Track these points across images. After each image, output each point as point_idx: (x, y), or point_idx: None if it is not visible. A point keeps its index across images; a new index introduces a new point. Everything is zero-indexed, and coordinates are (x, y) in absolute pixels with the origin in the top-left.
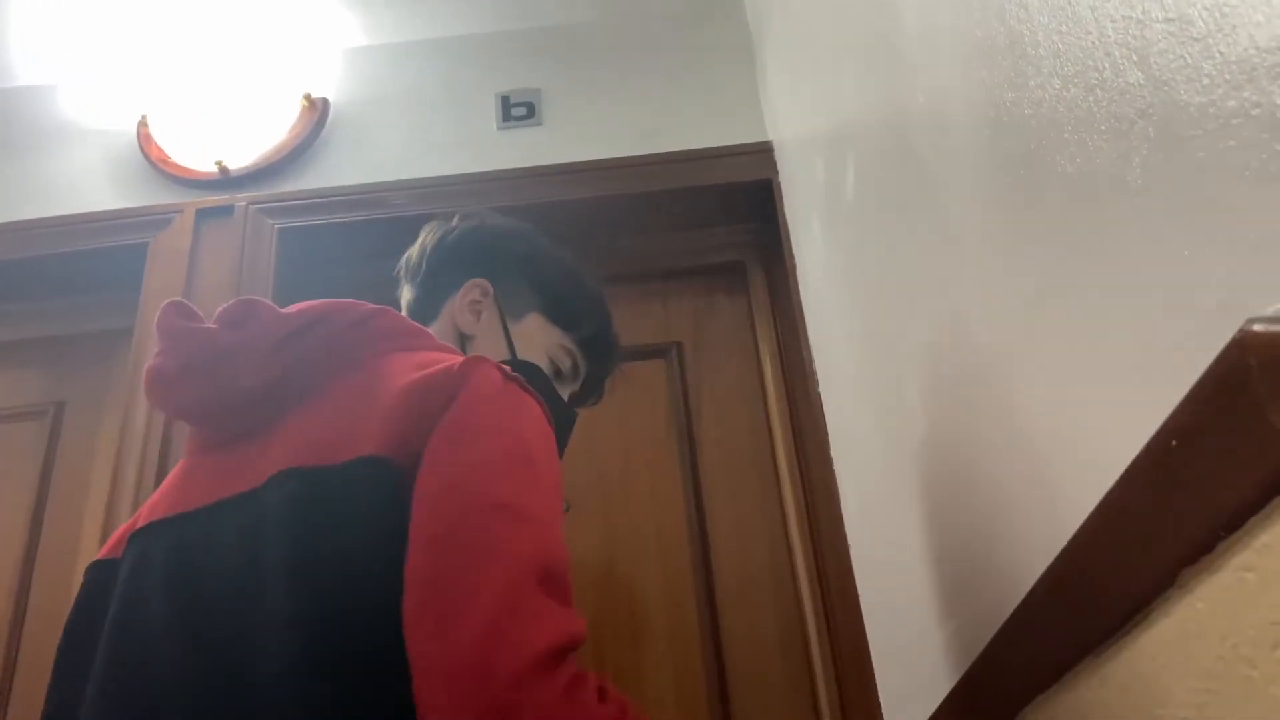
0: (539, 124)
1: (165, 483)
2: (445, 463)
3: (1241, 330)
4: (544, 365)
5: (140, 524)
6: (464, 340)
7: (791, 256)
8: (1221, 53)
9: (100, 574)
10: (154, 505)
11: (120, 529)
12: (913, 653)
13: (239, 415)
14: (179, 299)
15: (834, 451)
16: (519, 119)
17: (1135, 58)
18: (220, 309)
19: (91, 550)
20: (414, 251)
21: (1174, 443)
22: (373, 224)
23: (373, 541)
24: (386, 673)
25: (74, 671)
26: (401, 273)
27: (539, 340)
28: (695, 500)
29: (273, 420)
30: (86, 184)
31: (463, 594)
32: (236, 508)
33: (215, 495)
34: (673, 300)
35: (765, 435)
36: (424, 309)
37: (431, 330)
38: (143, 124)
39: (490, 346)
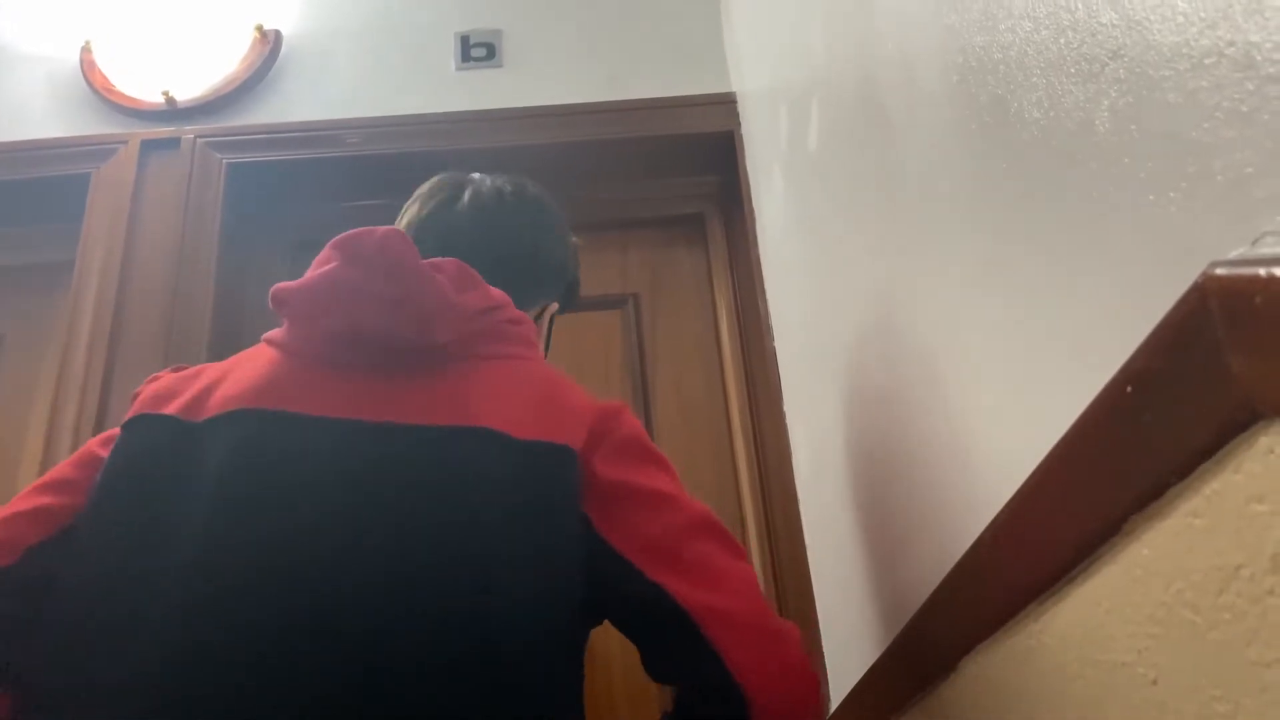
0: (499, 66)
1: (261, 374)
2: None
3: (1203, 274)
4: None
5: (250, 405)
6: None
7: (751, 209)
8: None
9: (167, 428)
10: (253, 392)
11: (180, 400)
12: (858, 603)
13: (406, 358)
14: (399, 229)
15: (787, 406)
16: (478, 60)
17: None
18: (435, 261)
19: (30, 482)
20: (515, 243)
21: (1129, 389)
22: (325, 162)
23: (565, 522)
24: (549, 628)
25: (127, 530)
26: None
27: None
28: None
29: (436, 371)
30: (26, 111)
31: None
32: (413, 437)
33: (372, 416)
34: (631, 250)
35: (719, 388)
36: (520, 306)
37: None
38: (86, 50)
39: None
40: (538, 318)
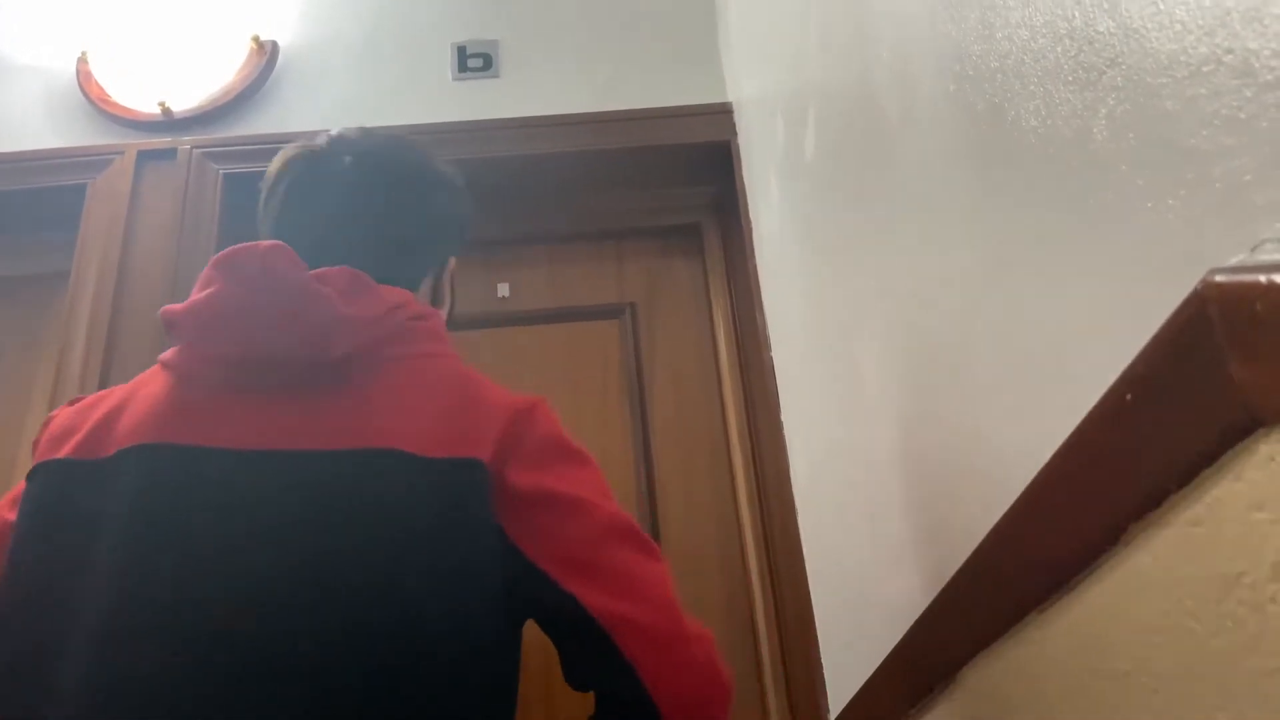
0: (495, 76)
1: (162, 403)
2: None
3: (1203, 281)
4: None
5: (147, 440)
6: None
7: (748, 219)
8: None
9: (71, 473)
10: (155, 424)
11: (78, 437)
12: (856, 614)
13: (305, 375)
14: (283, 244)
15: (784, 416)
16: (475, 70)
17: (1106, 5)
18: (323, 273)
19: None
20: (404, 219)
21: (1129, 396)
22: None
23: (477, 536)
24: (463, 649)
25: (45, 568)
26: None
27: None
28: (645, 462)
29: (338, 387)
30: (23, 122)
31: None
32: (322, 462)
33: (277, 444)
34: (628, 260)
35: (717, 399)
36: (409, 275)
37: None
38: (82, 61)
39: (442, 309)
40: (439, 278)
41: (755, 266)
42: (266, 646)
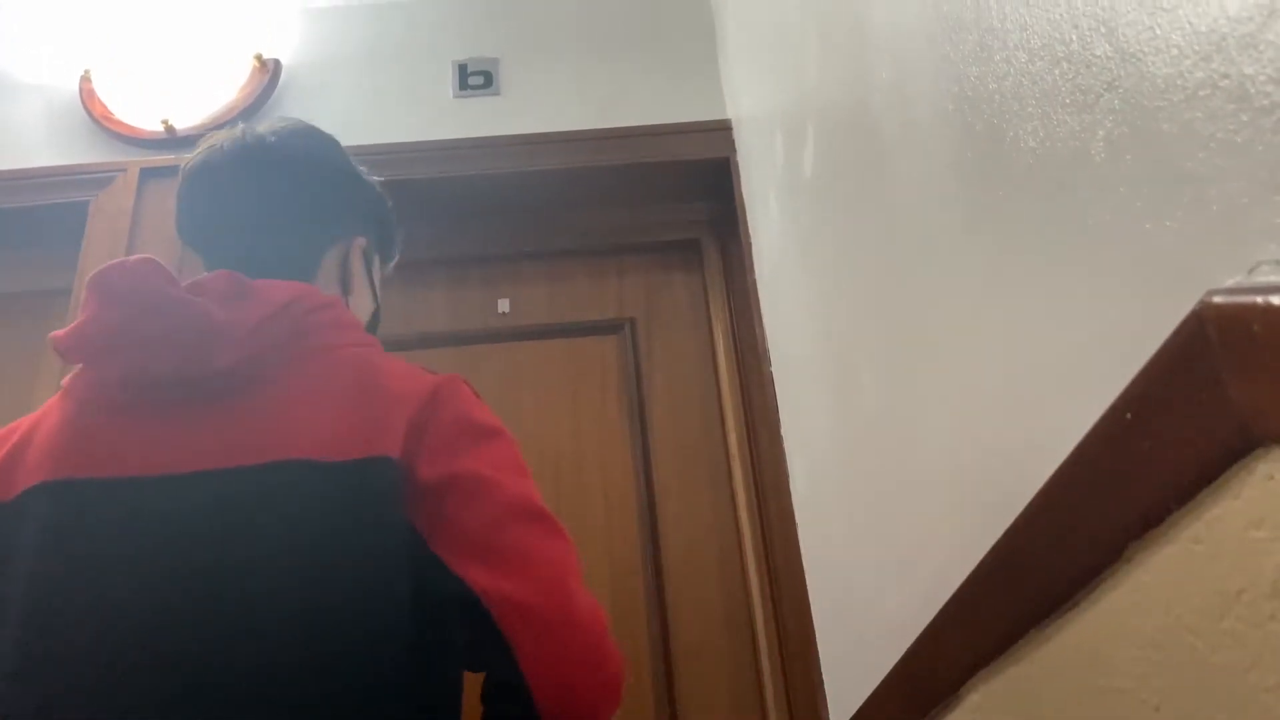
0: (496, 93)
1: (62, 435)
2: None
3: (1201, 302)
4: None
5: (50, 477)
6: (345, 294)
7: (747, 235)
8: (1191, 23)
9: None
10: (56, 458)
11: None
12: (857, 629)
13: (197, 388)
14: (152, 257)
15: (784, 430)
16: (476, 88)
17: (1104, 30)
18: (198, 281)
19: None
20: (292, 176)
21: (1129, 415)
22: None
23: (389, 537)
24: (386, 663)
25: None
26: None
27: (378, 280)
28: (645, 477)
29: (236, 397)
30: (26, 139)
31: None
32: (228, 481)
33: (181, 466)
34: (627, 276)
35: (717, 414)
36: (298, 256)
37: (317, 280)
38: (86, 79)
39: (361, 301)
40: (345, 260)
41: (754, 282)
42: (183, 677)
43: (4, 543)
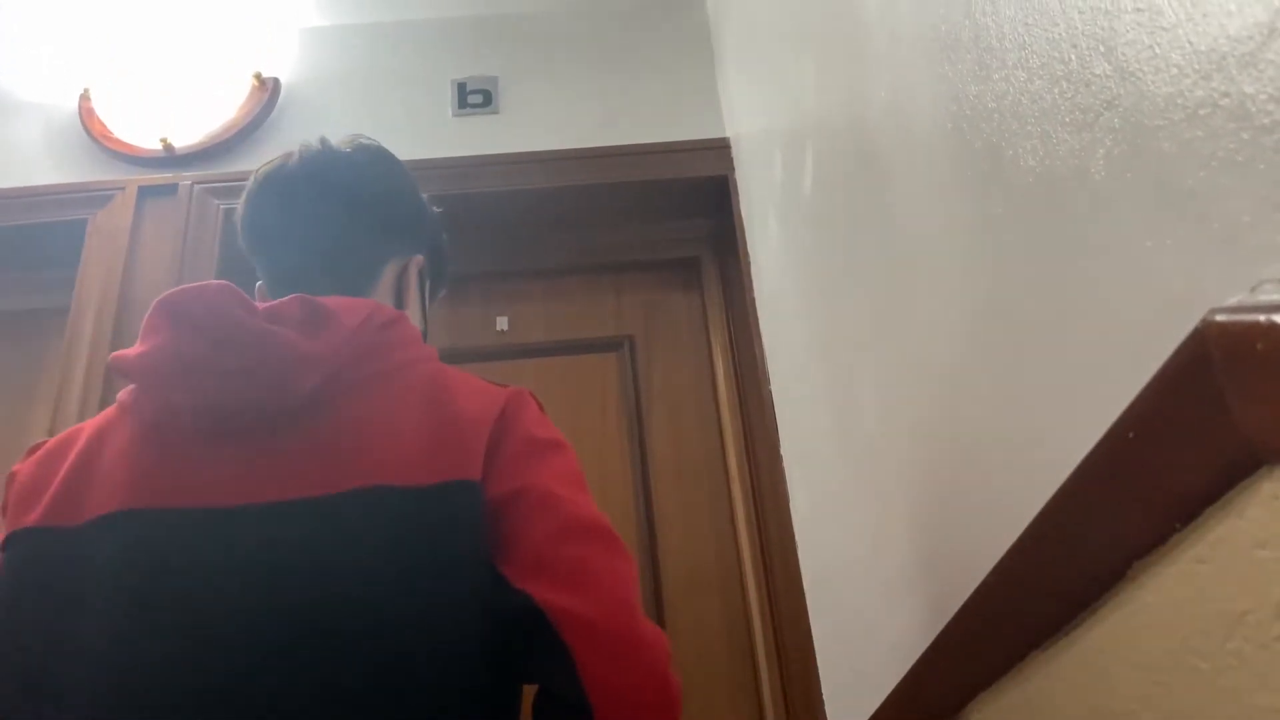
0: (495, 112)
1: (136, 459)
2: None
3: (1203, 321)
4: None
5: (126, 505)
6: (399, 309)
7: (746, 253)
8: (1191, 42)
9: (47, 545)
10: (132, 485)
11: (47, 496)
12: (858, 650)
13: (274, 415)
14: (230, 284)
15: (784, 449)
16: (475, 106)
17: (1103, 49)
18: (274, 308)
19: None
20: (360, 185)
21: (1132, 434)
22: None
23: (472, 560)
24: (468, 689)
25: (23, 655)
26: (282, 196)
27: (428, 306)
28: (644, 496)
29: (311, 421)
30: (24, 158)
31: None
32: (308, 513)
33: (261, 496)
34: (626, 294)
35: (716, 432)
36: (357, 267)
37: (374, 294)
38: (85, 98)
39: (414, 319)
40: (402, 274)
41: (753, 300)
42: (274, 710)
43: (75, 574)
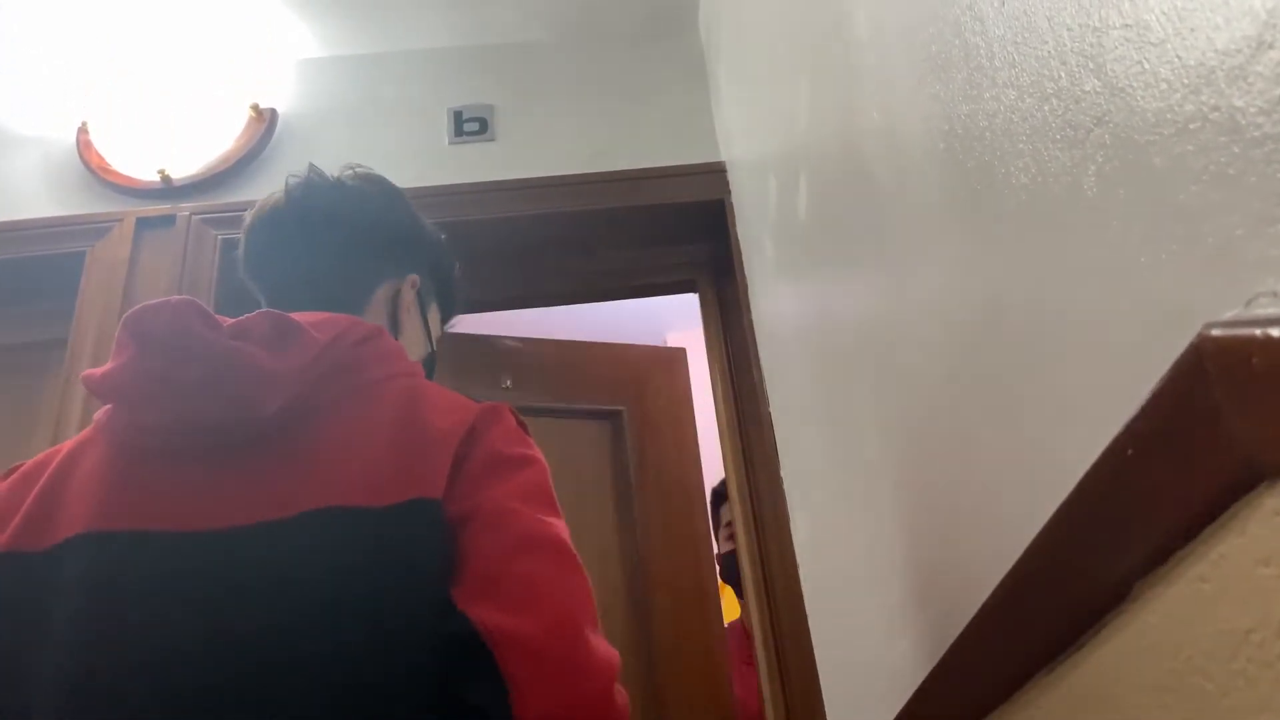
0: (491, 139)
1: (101, 481)
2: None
3: (1199, 335)
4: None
5: (89, 527)
6: (394, 330)
7: (743, 276)
8: (1180, 57)
9: (13, 569)
10: (96, 507)
11: (16, 519)
12: (863, 674)
13: (241, 434)
14: (194, 299)
15: (784, 471)
16: (471, 134)
17: (1092, 65)
18: (240, 323)
19: None
20: (351, 211)
21: (1130, 451)
22: None
23: (424, 583)
24: (422, 705)
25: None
26: (274, 221)
27: (435, 329)
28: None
29: (279, 440)
30: (23, 191)
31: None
32: (264, 537)
33: (221, 520)
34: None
35: (714, 456)
36: (349, 288)
37: (367, 313)
38: (83, 130)
39: (414, 342)
40: (396, 295)
41: (751, 322)
42: None
43: (42, 598)
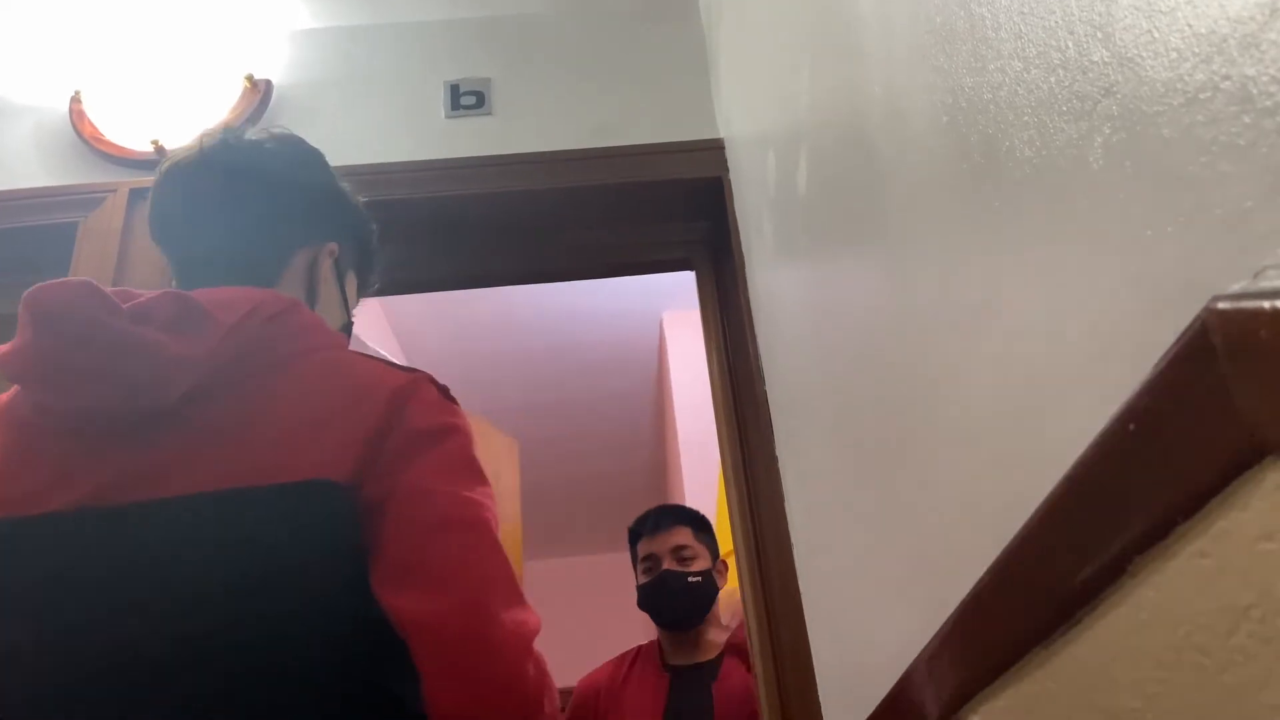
0: (488, 113)
1: (13, 455)
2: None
3: (1206, 309)
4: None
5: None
6: (311, 299)
7: (741, 254)
8: (1190, 25)
9: None
10: (7, 485)
11: None
12: (857, 652)
13: (146, 417)
14: (91, 281)
15: (779, 450)
16: (468, 108)
17: (1100, 35)
18: (141, 305)
19: None
20: (262, 173)
21: (1132, 426)
22: None
23: (327, 564)
24: (324, 691)
25: None
26: (186, 180)
27: (352, 298)
28: None
29: (183, 418)
30: (15, 161)
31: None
32: (161, 514)
33: (127, 496)
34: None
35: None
36: (262, 257)
37: (282, 282)
38: (76, 100)
39: (330, 311)
40: (315, 262)
41: (748, 300)
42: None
43: None
